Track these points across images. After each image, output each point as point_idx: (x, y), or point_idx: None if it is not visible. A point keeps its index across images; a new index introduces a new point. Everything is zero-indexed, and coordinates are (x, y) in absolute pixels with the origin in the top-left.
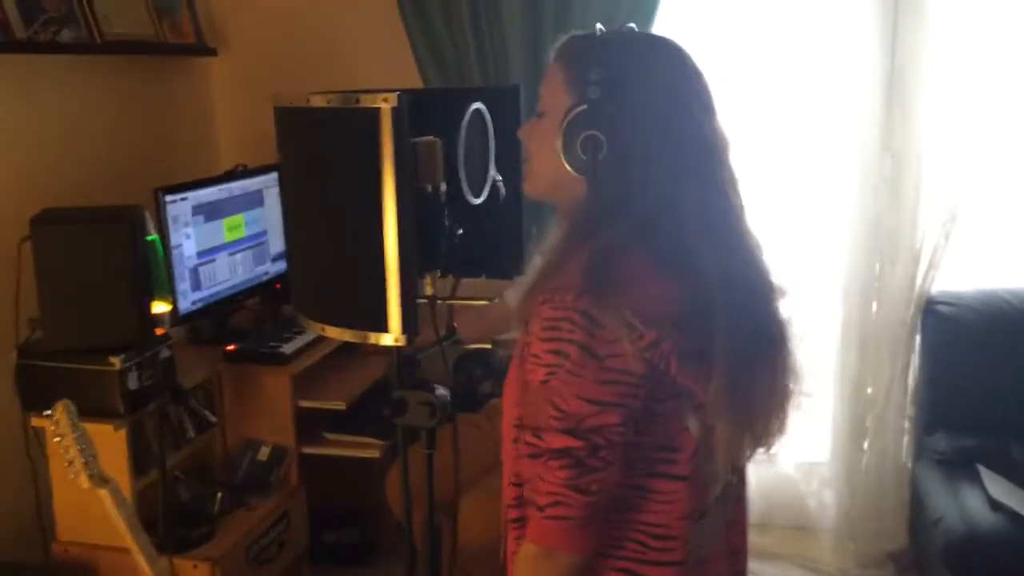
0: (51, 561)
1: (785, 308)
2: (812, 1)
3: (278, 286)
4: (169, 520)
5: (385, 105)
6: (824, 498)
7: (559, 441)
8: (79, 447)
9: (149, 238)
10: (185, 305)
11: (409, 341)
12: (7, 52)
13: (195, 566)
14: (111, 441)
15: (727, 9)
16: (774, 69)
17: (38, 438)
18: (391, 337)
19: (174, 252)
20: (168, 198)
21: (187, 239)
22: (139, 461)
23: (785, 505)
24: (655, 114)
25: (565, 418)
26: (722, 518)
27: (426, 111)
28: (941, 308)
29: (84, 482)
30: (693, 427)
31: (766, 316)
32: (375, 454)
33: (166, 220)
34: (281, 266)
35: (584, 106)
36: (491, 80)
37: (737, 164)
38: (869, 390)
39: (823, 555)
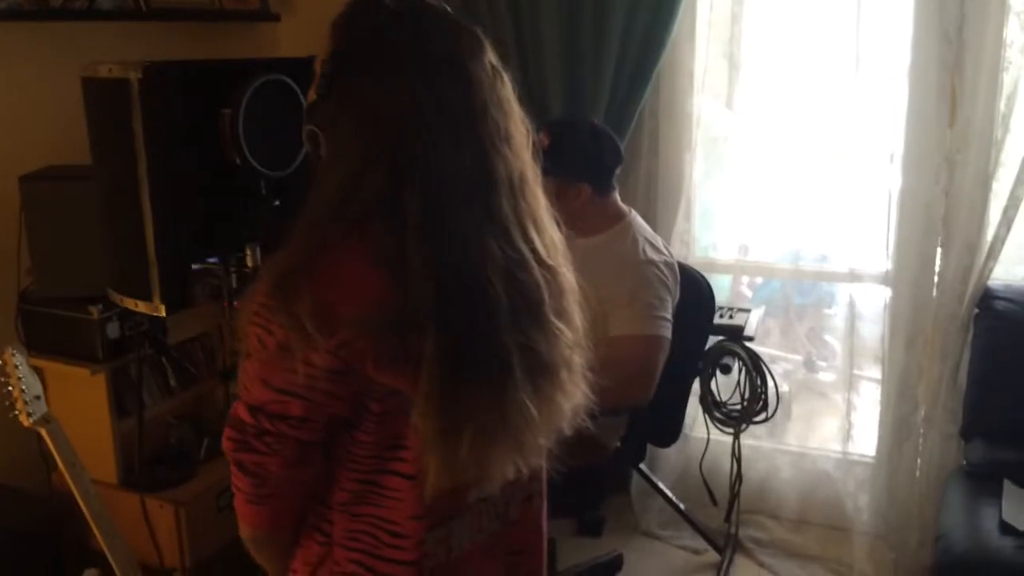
0: (52, 490)
1: (564, 328)
2: None
3: None
4: (141, 459)
5: (133, 75)
6: (862, 501)
7: (238, 411)
8: (21, 388)
9: None
10: None
11: (170, 310)
12: (39, 20)
13: (161, 506)
14: (90, 385)
15: None
16: (829, 45)
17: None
18: (153, 306)
19: None
20: None
21: None
22: (127, 406)
23: (823, 504)
24: (375, 114)
25: (249, 396)
26: (490, 520)
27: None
28: (997, 304)
29: (25, 420)
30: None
31: (502, 330)
32: None
33: None
34: None
35: (314, 100)
36: (530, 73)
37: (501, 174)
38: (918, 389)
39: (858, 562)
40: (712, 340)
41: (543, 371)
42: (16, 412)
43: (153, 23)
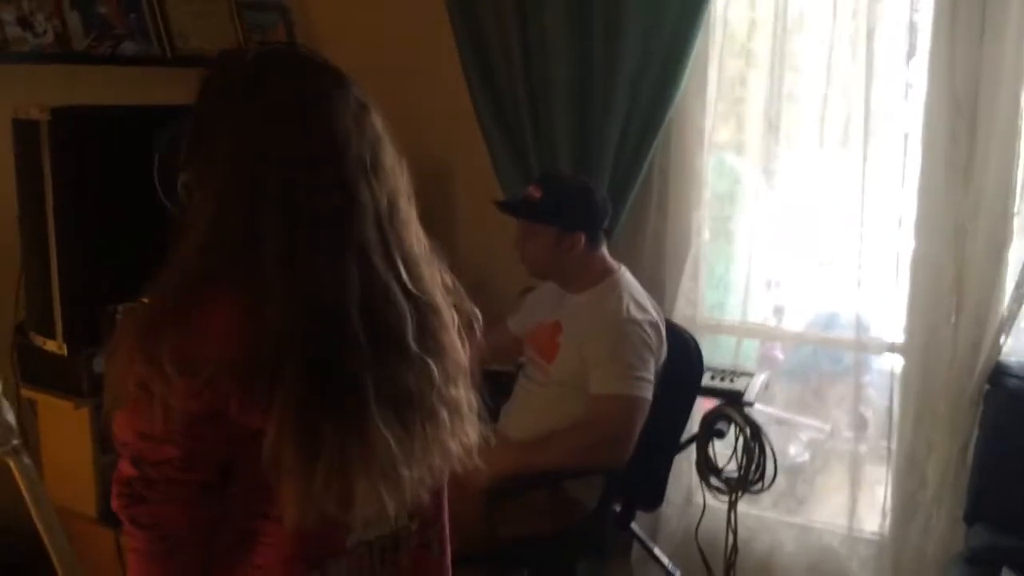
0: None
1: (432, 361)
2: None
3: None
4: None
5: (41, 117)
6: None
7: (120, 469)
8: None
9: None
10: None
11: (72, 351)
12: (58, 62)
13: None
14: (74, 419)
15: None
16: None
17: (32, 408)
18: (56, 344)
19: None
20: None
21: None
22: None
23: None
24: (233, 160)
25: (127, 449)
26: (375, 565)
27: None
28: (1009, 381)
29: None
30: (272, 478)
31: (358, 362)
32: None
33: None
34: None
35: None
36: (540, 124)
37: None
38: (927, 466)
39: None
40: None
41: (409, 404)
42: None
43: (178, 69)
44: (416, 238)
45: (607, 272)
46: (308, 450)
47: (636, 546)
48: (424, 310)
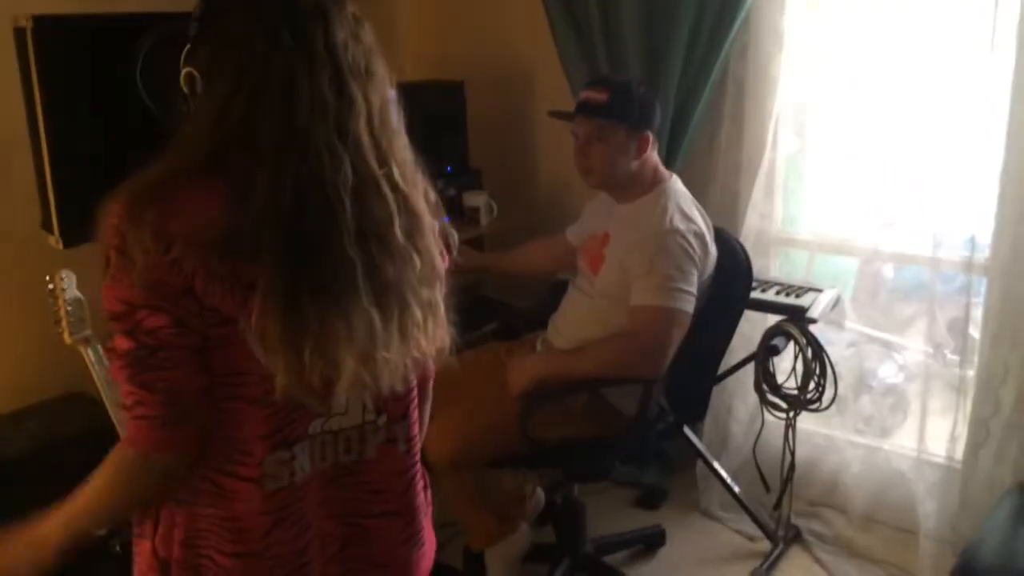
0: None
1: (415, 256)
2: None
3: None
4: None
5: (26, 24)
6: (931, 506)
7: (121, 342)
8: (67, 308)
9: None
10: None
11: (67, 245)
12: None
13: None
14: None
15: None
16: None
17: None
18: (53, 239)
19: None
20: None
21: None
22: None
23: (894, 505)
24: (240, 49)
25: (119, 324)
26: (337, 451)
27: None
28: None
29: (66, 338)
30: (259, 353)
31: (347, 246)
32: None
33: None
34: None
35: (189, 44)
36: (610, 26)
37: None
38: (1001, 391)
39: (921, 570)
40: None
41: (389, 292)
42: (60, 329)
43: None
44: (405, 147)
45: (656, 181)
46: (297, 326)
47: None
48: (409, 209)
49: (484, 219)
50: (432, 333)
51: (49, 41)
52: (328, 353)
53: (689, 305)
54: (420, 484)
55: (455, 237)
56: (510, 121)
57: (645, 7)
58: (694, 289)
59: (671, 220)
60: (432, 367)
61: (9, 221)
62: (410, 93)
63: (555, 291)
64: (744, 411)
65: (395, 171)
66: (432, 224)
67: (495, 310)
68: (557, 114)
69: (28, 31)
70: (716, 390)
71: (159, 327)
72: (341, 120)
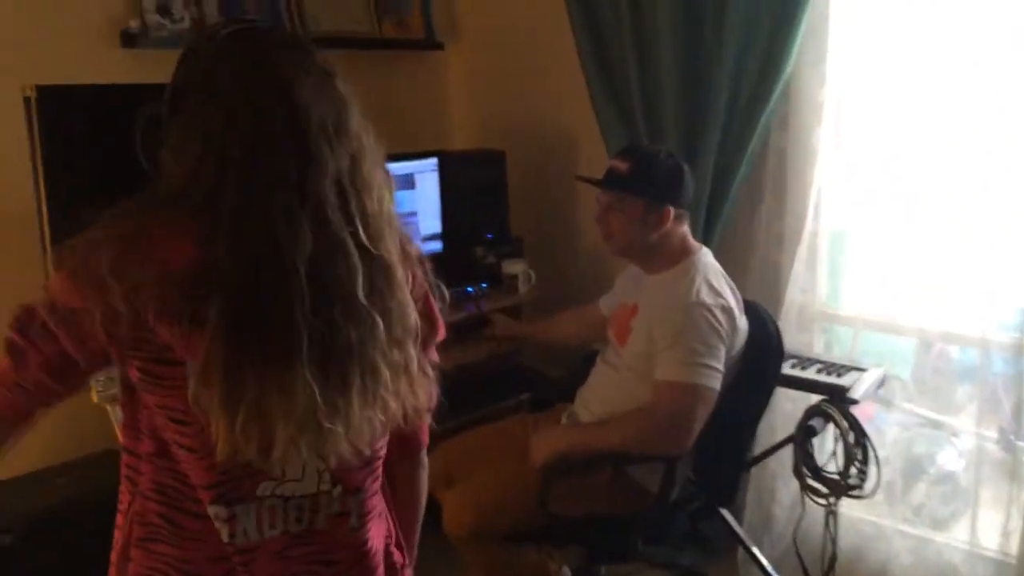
0: None
1: (380, 319)
2: None
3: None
4: None
5: (31, 93)
6: None
7: (34, 301)
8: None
9: None
10: None
11: None
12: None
13: None
14: None
15: None
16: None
17: None
18: None
19: None
20: None
21: None
22: None
23: None
24: (203, 126)
25: (48, 297)
26: (287, 519)
27: None
28: None
29: (94, 397)
30: (195, 410)
31: (296, 313)
32: None
33: None
34: (431, 246)
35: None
36: (649, 95)
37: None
38: None
39: None
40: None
41: (348, 357)
42: (87, 388)
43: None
44: (378, 200)
45: (685, 253)
46: (232, 393)
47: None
48: (377, 266)
49: (522, 287)
50: (405, 392)
51: (51, 109)
52: (263, 423)
53: (715, 381)
54: (379, 562)
55: (445, 291)
56: (552, 189)
57: (683, 78)
58: (721, 365)
59: (698, 293)
60: (416, 431)
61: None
62: (453, 161)
63: (588, 362)
64: (787, 494)
65: (361, 230)
66: (407, 277)
67: (529, 379)
68: (583, 179)
69: (33, 100)
70: (757, 471)
71: (69, 321)
72: (303, 183)
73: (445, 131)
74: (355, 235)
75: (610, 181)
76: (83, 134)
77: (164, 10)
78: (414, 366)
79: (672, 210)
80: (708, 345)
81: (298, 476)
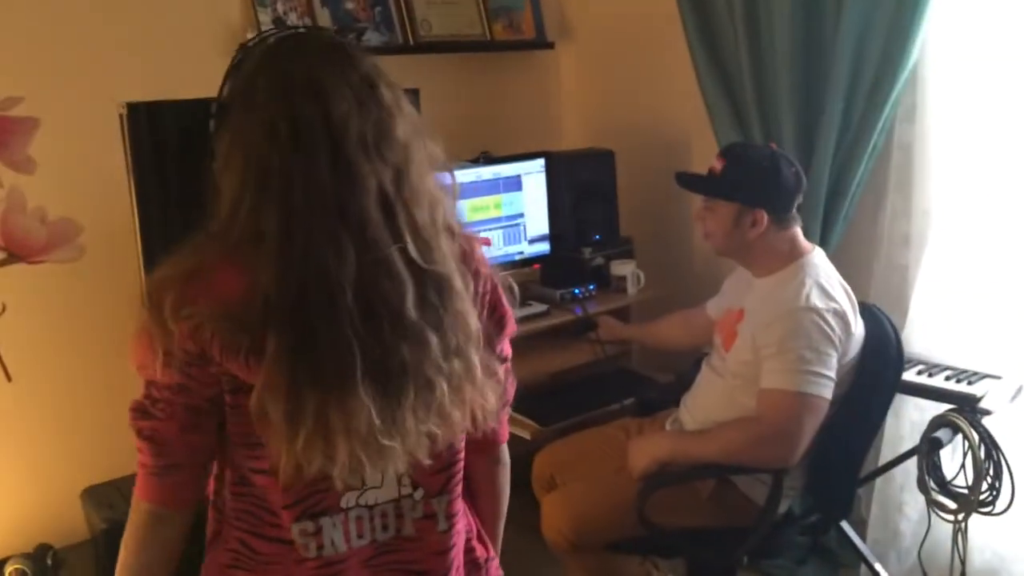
0: None
1: (434, 336)
2: None
3: (536, 266)
4: None
5: (122, 111)
6: None
7: (141, 391)
8: None
9: None
10: None
11: None
12: None
13: None
14: None
15: None
16: None
17: None
18: None
19: None
20: None
21: None
22: None
23: None
24: (244, 140)
25: (139, 371)
26: (374, 528)
27: None
28: None
29: None
30: (259, 431)
31: (348, 335)
32: (526, 435)
33: None
34: (539, 247)
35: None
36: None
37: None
38: None
39: None
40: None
41: (404, 374)
42: None
43: (424, 56)
44: (430, 210)
45: (795, 255)
46: (290, 413)
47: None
48: (429, 280)
49: (631, 289)
50: (471, 398)
51: (140, 125)
52: (324, 441)
53: (825, 390)
54: (456, 558)
55: (515, 289)
56: (662, 189)
57: (799, 71)
58: (832, 372)
59: (808, 297)
60: (493, 429)
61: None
62: (561, 162)
63: (697, 366)
64: (914, 508)
65: (409, 244)
66: (467, 285)
67: (635, 384)
68: (679, 176)
69: (124, 117)
70: (883, 482)
71: (168, 385)
72: (343, 201)
73: (555, 131)
74: (403, 251)
75: (701, 183)
76: (173, 148)
77: (279, 22)
78: (478, 372)
79: (766, 213)
80: (818, 351)
81: (378, 483)
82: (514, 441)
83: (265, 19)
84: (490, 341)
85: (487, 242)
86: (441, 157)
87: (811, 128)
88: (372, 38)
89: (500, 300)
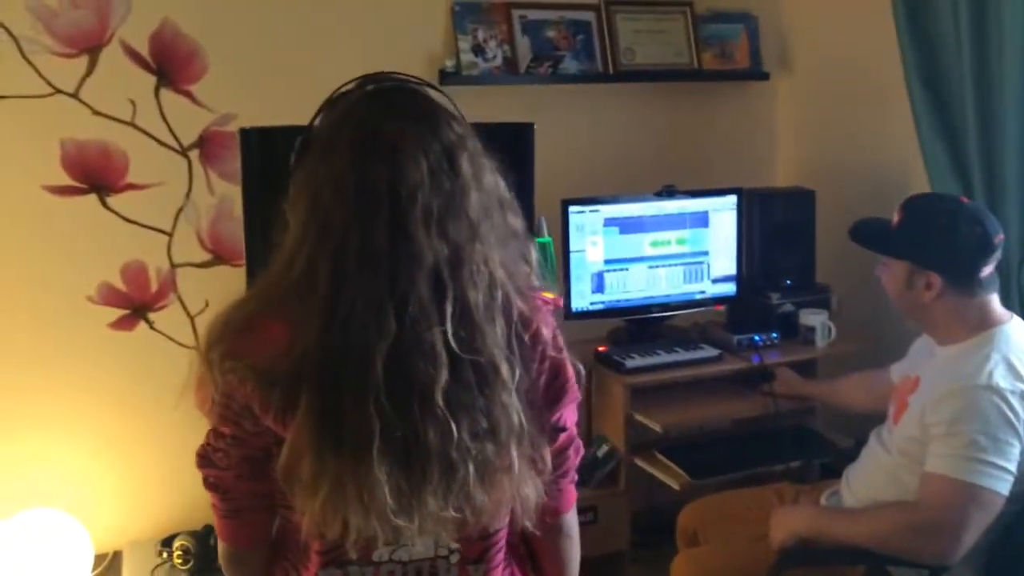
0: None
1: (461, 422)
2: None
3: (718, 307)
4: None
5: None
6: None
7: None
8: None
9: (540, 240)
10: (581, 303)
11: None
12: (502, 84)
13: None
14: None
15: None
16: None
17: None
18: None
19: (573, 256)
20: (573, 209)
21: (593, 246)
22: None
23: None
24: (311, 191)
25: (206, 418)
26: None
27: None
28: None
29: None
30: (283, 486)
31: (370, 407)
32: (675, 484)
33: (567, 227)
34: (724, 288)
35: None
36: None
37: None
38: None
39: None
40: None
41: (427, 459)
42: None
43: (624, 84)
44: (487, 290)
45: (985, 325)
46: (312, 474)
47: None
48: (469, 369)
49: (820, 341)
50: (506, 488)
51: (253, 150)
52: (338, 508)
53: (999, 483)
54: None
55: (582, 372)
56: None
57: None
58: (1012, 465)
59: (991, 374)
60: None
61: None
62: (755, 199)
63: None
64: None
65: (450, 329)
66: (514, 373)
67: (811, 445)
68: (857, 224)
69: (238, 140)
70: None
71: (224, 435)
72: (395, 272)
73: (755, 167)
74: (444, 335)
75: (872, 235)
76: (284, 174)
77: (479, 49)
78: (515, 464)
79: (939, 278)
80: (995, 439)
81: (413, 541)
82: (662, 489)
83: (465, 46)
84: (540, 415)
85: (557, 304)
86: (520, 231)
87: None
88: (570, 67)
89: (563, 366)
